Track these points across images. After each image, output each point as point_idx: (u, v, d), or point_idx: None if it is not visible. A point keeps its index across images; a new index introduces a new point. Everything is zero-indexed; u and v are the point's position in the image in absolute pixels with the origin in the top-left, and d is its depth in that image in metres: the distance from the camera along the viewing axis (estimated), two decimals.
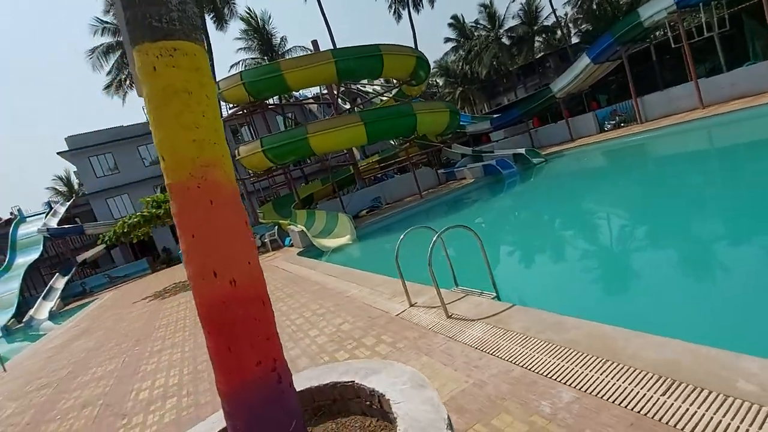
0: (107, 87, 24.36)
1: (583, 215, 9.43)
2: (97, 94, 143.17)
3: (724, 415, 2.08)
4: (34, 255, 22.79)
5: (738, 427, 1.98)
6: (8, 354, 11.36)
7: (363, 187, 19.55)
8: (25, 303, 20.95)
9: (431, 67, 23.29)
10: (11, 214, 27.45)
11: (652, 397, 2.35)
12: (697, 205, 7.44)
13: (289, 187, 19.96)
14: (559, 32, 48.45)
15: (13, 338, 16.95)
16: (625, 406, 2.35)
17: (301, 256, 12.10)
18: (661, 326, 3.11)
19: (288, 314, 6.42)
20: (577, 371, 2.83)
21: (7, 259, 22.95)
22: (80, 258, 24.91)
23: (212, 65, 23.50)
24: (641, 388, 2.45)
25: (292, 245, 14.65)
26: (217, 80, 19.84)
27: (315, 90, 25.92)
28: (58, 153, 24.61)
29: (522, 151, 18.38)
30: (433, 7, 34.10)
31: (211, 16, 23.40)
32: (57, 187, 40.87)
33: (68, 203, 28.25)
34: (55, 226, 23.86)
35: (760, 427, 1.95)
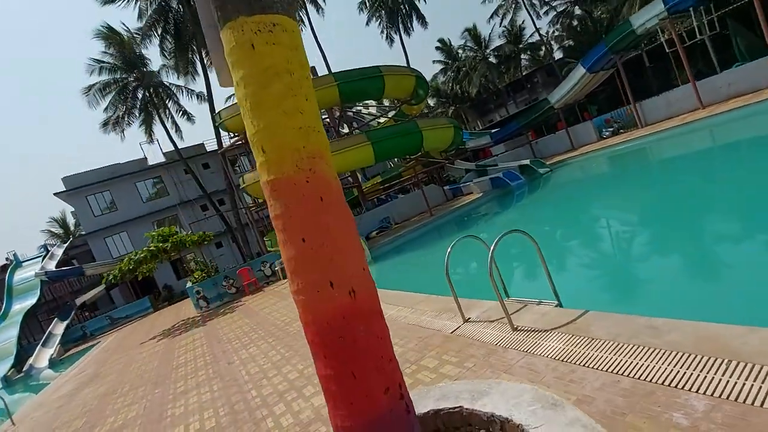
0: (105, 124, 24.21)
1: (609, 216, 9.21)
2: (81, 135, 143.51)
3: None
4: (32, 300, 21.97)
5: None
6: (12, 406, 10.62)
7: (370, 209, 19.29)
8: (23, 351, 20.01)
9: None
10: (7, 259, 26.67)
11: None
12: (720, 199, 7.26)
13: None
14: (543, 49, 49.80)
15: (13, 389, 16.03)
16: None
17: None
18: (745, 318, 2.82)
19: None
20: (697, 375, 2.49)
21: (3, 307, 22.08)
22: (79, 301, 24.08)
23: (212, 100, 23.56)
24: None
25: None
26: (216, 110, 19.82)
27: None
28: (55, 194, 24.18)
29: (527, 162, 18.33)
30: (425, 28, 34.97)
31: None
32: (52, 229, 40.11)
33: (65, 245, 27.59)
34: (54, 269, 23.14)
35: None
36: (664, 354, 2.85)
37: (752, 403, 2.15)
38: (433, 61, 49.57)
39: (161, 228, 14.84)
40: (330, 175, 1.74)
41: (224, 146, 21.91)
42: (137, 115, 24.86)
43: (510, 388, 2.32)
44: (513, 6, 41.04)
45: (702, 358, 2.63)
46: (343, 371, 1.64)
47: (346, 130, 25.36)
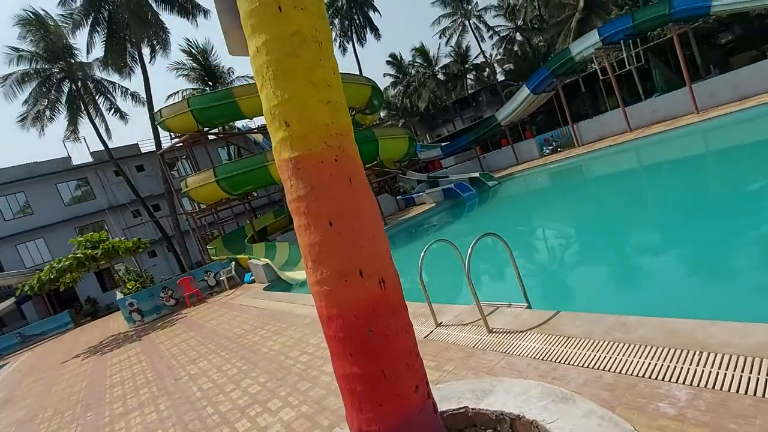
0: (23, 119, 21.61)
1: (554, 225, 9.78)
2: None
3: None
4: None
5: None
6: None
7: None
8: None
9: None
10: None
11: (762, 380, 2.21)
12: (651, 207, 8.02)
13: (249, 219, 18.74)
14: (487, 70, 52.68)
15: None
16: (754, 394, 2.17)
17: (270, 291, 11.13)
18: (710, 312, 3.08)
19: (288, 352, 5.66)
20: (674, 367, 2.63)
21: None
22: None
23: (150, 97, 21.97)
24: (758, 374, 2.29)
25: (253, 281, 13.50)
26: (156, 109, 18.51)
27: (260, 120, 25.22)
28: None
29: (477, 174, 19.08)
30: (379, 40, 35.48)
31: (147, 45, 22.09)
32: None
33: None
34: None
35: None
36: (638, 349, 2.98)
37: (729, 390, 2.28)
38: (384, 75, 50.55)
39: (89, 233, 13.39)
40: (357, 155, 1.61)
41: (164, 147, 20.47)
42: (61, 110, 22.52)
43: (515, 385, 2.28)
44: (460, 28, 43.10)
45: (674, 351, 2.77)
46: (371, 369, 1.49)
47: None
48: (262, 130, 25.29)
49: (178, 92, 26.79)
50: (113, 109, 23.88)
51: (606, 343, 3.19)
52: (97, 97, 23.34)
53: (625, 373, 2.77)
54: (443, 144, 26.88)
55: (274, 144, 1.57)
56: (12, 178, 22.47)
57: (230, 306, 10.89)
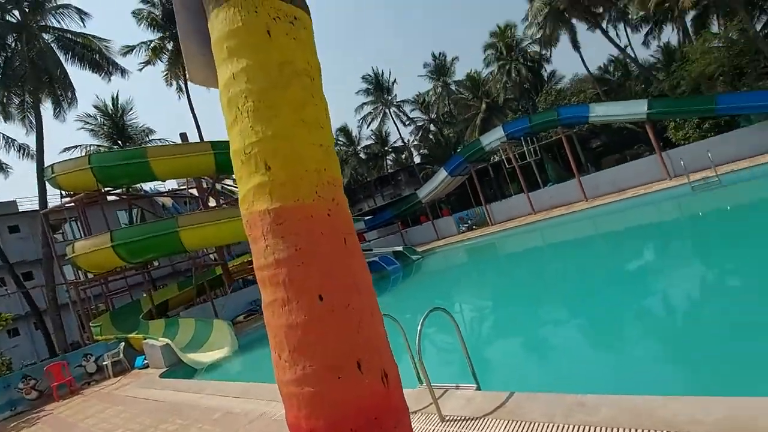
0: None
1: (482, 298, 9.99)
2: None
3: None
4: None
5: None
6: None
7: (236, 290, 17.27)
8: None
9: None
10: None
11: None
12: (569, 279, 8.68)
13: (148, 291, 16.30)
14: (406, 153, 56.89)
15: None
16: None
17: (168, 378, 9.37)
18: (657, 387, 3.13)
19: None
20: None
21: None
22: None
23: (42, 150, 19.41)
24: None
25: (147, 366, 11.35)
26: (47, 164, 16.26)
27: (171, 184, 23.54)
28: None
29: (401, 248, 19.41)
30: None
31: (48, 97, 20.07)
32: None
33: None
34: None
35: None
36: (606, 431, 2.83)
37: None
38: None
39: None
40: (349, 211, 1.32)
41: (50, 206, 17.73)
42: None
43: None
44: (381, 115, 46.90)
45: (646, 431, 2.67)
46: None
47: (213, 203, 23.45)
48: (174, 193, 23.47)
49: (77, 147, 24.20)
50: None
51: (572, 427, 2.98)
52: None
53: None
54: (366, 218, 27.36)
55: (244, 192, 1.22)
56: None
57: (114, 398, 8.86)
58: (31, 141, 20.39)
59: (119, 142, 24.52)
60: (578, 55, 30.49)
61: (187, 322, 12.43)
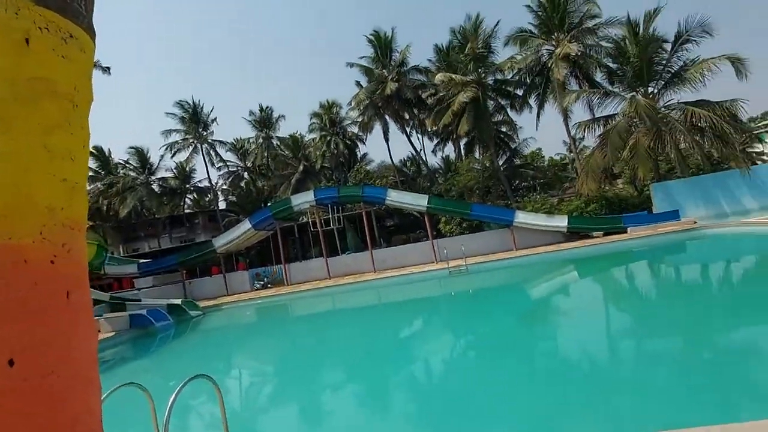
0: None
1: (256, 365, 9.37)
2: None
3: None
4: None
5: None
6: None
7: None
8: None
9: None
10: None
11: None
12: (356, 348, 9.17)
13: None
14: (210, 196, 52.53)
15: None
16: None
17: None
18: None
19: None
20: None
21: None
22: None
23: None
24: None
25: None
26: None
27: None
28: None
29: (179, 302, 16.89)
30: None
31: None
32: None
33: None
34: None
35: None
36: None
37: None
38: None
39: None
40: (86, 262, 1.01)
41: None
42: None
43: None
44: (191, 148, 42.73)
45: None
46: None
47: None
48: None
49: None
50: None
51: None
52: None
53: None
54: (142, 261, 23.17)
55: None
56: None
57: None
58: None
59: None
60: (386, 147, 35.75)
61: None
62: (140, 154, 43.83)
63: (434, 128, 30.86)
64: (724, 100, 19.67)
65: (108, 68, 24.22)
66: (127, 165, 44.23)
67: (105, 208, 42.25)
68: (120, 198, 41.49)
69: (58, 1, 1.01)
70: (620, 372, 5.83)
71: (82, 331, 0.94)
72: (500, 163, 31.58)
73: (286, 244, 27.62)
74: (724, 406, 4.17)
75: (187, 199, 51.56)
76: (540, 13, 25.45)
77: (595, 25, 24.26)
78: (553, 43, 25.09)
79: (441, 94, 29.09)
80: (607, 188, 25.49)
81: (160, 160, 43.77)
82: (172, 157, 43.11)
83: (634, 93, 21.33)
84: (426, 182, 39.22)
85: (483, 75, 27.69)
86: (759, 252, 12.61)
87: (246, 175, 49.02)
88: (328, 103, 40.72)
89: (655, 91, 21.38)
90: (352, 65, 31.91)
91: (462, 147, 33.91)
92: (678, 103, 20.57)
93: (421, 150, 37.54)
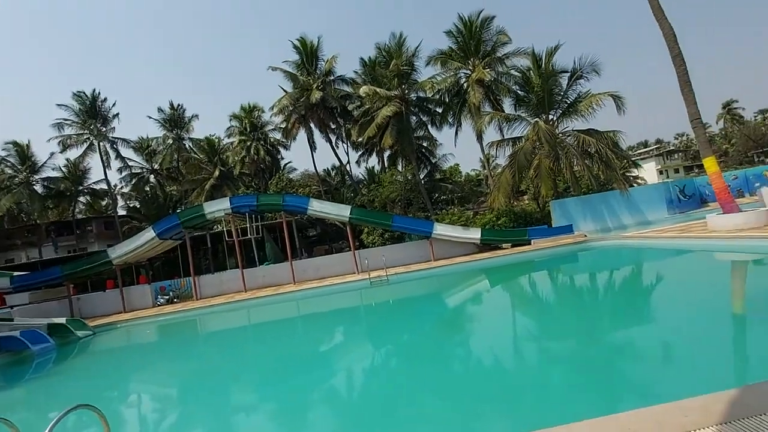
0: None
1: (159, 386, 8.42)
2: None
3: None
4: None
5: None
6: None
7: None
8: None
9: None
10: None
11: None
12: (267, 363, 8.68)
13: None
14: (107, 200, 46.94)
15: None
16: None
17: None
18: None
19: None
20: None
21: None
22: None
23: None
24: None
25: None
26: None
27: None
28: None
29: (63, 321, 14.62)
30: None
31: None
32: None
33: None
34: None
35: None
36: None
37: None
38: None
39: None
40: None
41: None
42: None
43: None
44: (86, 145, 37.88)
45: None
46: None
47: None
48: None
49: None
50: None
51: None
52: None
53: None
54: (17, 274, 19.77)
55: None
56: None
57: None
58: None
59: None
60: (311, 155, 35.04)
61: None
62: (20, 149, 37.90)
63: (359, 140, 31.12)
64: (608, 130, 22.72)
65: None
66: (3, 162, 37.90)
67: None
68: None
69: None
70: (523, 370, 6.30)
71: None
72: (421, 176, 32.82)
73: (197, 254, 25.62)
74: (607, 399, 4.64)
75: (79, 203, 45.63)
76: (458, 39, 27.25)
77: (505, 54, 26.62)
78: (470, 67, 26.97)
79: (366, 106, 29.52)
80: (515, 203, 27.80)
81: (49, 158, 38.14)
82: (61, 152, 37.85)
83: (537, 119, 23.65)
84: (350, 193, 39.27)
85: (406, 91, 28.72)
86: (633, 261, 14.60)
87: (152, 178, 44.72)
88: (249, 105, 39.05)
89: (554, 118, 23.94)
90: (274, 69, 31.04)
91: (385, 159, 34.63)
92: (573, 130, 23.25)
93: (347, 163, 37.61)
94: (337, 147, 34.95)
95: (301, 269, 20.35)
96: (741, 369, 5.23)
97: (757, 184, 25.78)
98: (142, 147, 42.71)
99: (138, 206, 44.76)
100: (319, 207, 20.27)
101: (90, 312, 19.54)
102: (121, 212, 46.15)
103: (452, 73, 27.51)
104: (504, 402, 5.22)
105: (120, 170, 40.68)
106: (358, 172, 43.04)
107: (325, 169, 47.03)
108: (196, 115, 41.57)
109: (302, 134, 33.69)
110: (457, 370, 6.90)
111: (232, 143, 40.52)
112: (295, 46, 31.00)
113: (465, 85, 27.36)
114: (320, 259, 21.42)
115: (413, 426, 4.91)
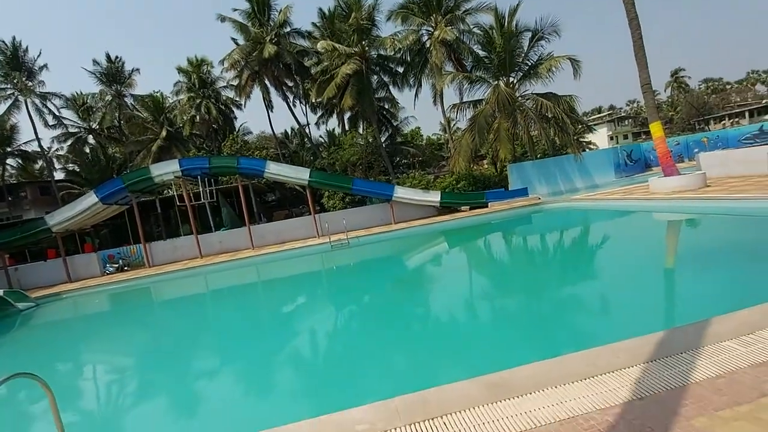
0: None
1: (112, 355, 8.16)
2: None
3: None
4: None
5: None
6: None
7: None
8: None
9: None
10: None
11: None
12: (222, 327, 8.60)
13: None
14: (41, 163, 43.13)
15: None
16: None
17: None
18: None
19: None
20: None
21: None
22: None
23: None
24: None
25: None
26: None
27: None
28: None
29: (0, 293, 13.60)
30: None
31: None
32: None
33: None
34: None
35: None
36: None
37: None
38: None
39: None
40: None
41: None
42: None
43: None
44: (9, 101, 34.04)
45: None
46: None
47: None
48: None
49: None
50: None
51: None
52: None
53: None
54: None
55: None
56: None
57: None
58: None
59: None
60: (267, 116, 33.47)
61: None
62: None
63: (318, 100, 29.98)
64: (565, 95, 23.19)
65: None
66: None
67: None
68: None
69: None
70: (476, 322, 6.63)
71: None
72: (383, 139, 32.41)
73: (147, 221, 24.36)
74: (550, 344, 4.97)
75: (8, 167, 41.67)
76: None
77: (467, 10, 25.93)
78: (432, 24, 26.21)
79: (325, 63, 28.26)
80: (474, 168, 28.27)
81: None
82: None
83: (498, 81, 23.69)
84: (309, 156, 38.28)
85: (366, 48, 27.67)
86: (581, 222, 15.44)
87: (91, 139, 41.30)
88: (196, 59, 36.20)
89: (515, 80, 24.08)
90: (223, 19, 28.76)
91: (346, 121, 33.76)
92: (532, 93, 23.54)
93: (306, 125, 36.31)
94: (295, 106, 33.60)
95: (260, 234, 19.92)
96: (669, 314, 5.74)
97: (696, 150, 27.63)
98: (77, 104, 39.02)
99: (77, 170, 41.41)
100: (276, 170, 19.62)
101: (31, 283, 18.31)
102: (60, 177, 42.64)
103: (414, 30, 26.66)
104: (457, 351, 5.47)
105: (53, 127, 37.09)
106: (318, 134, 41.83)
107: (283, 132, 45.34)
108: (137, 69, 38.22)
109: (257, 93, 31.96)
110: (417, 325, 7.14)
111: (180, 101, 37.79)
112: None
113: (427, 43, 26.71)
114: (280, 224, 21.01)
115: (381, 378, 5.07)
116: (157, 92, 38.87)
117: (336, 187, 21.53)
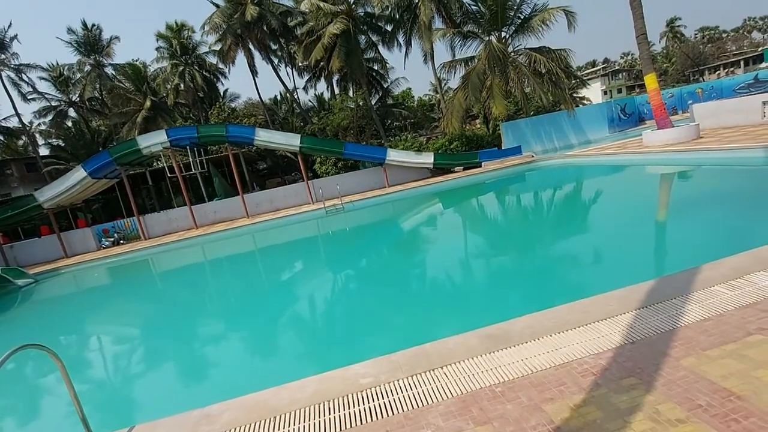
0: None
1: (116, 326, 8.33)
2: None
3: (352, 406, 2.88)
4: None
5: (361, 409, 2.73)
6: None
7: None
8: None
9: None
10: None
11: (320, 420, 2.82)
12: (221, 295, 8.76)
13: None
14: (24, 139, 42.00)
15: None
16: None
17: None
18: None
19: None
20: None
21: None
22: None
23: None
24: (320, 417, 2.86)
25: None
26: None
27: None
28: None
29: None
30: None
31: None
32: None
33: None
34: None
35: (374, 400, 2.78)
36: None
37: None
38: None
39: None
40: None
41: None
42: None
43: None
44: None
45: (255, 424, 2.96)
46: None
47: None
48: None
49: None
50: None
51: None
52: None
53: None
54: None
55: None
56: None
57: None
58: None
59: None
60: (253, 82, 32.40)
61: None
62: None
63: (306, 63, 28.96)
64: (559, 48, 22.55)
65: None
66: None
67: None
68: None
69: None
70: (474, 278, 6.80)
71: None
72: (373, 102, 31.69)
73: (139, 194, 24.13)
74: (546, 296, 5.13)
75: None
76: None
77: None
78: None
79: (310, 24, 27.10)
80: (467, 128, 27.90)
81: None
82: None
83: (490, 37, 22.92)
84: (299, 122, 37.51)
85: (353, 6, 26.48)
86: (574, 178, 15.49)
87: (72, 112, 39.99)
88: (176, 24, 34.56)
89: (507, 35, 23.31)
90: None
91: (335, 84, 32.84)
92: (525, 48, 22.87)
93: (294, 90, 35.26)
94: (279, 69, 32.52)
95: (254, 202, 19.83)
96: (661, 263, 5.90)
97: (690, 101, 27.36)
98: (55, 76, 37.47)
99: (62, 145, 40.36)
100: (266, 137, 19.26)
101: (28, 260, 18.31)
102: (45, 152, 41.61)
103: None
104: (456, 307, 5.63)
105: (32, 101, 35.82)
106: (307, 99, 40.78)
107: (271, 98, 44.12)
108: (117, 37, 36.48)
109: (241, 58, 30.78)
110: (416, 284, 7.30)
111: (162, 69, 36.38)
112: None
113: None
114: (274, 191, 20.88)
115: (383, 336, 5.24)
116: (136, 60, 37.34)
117: (328, 152, 21.26)
